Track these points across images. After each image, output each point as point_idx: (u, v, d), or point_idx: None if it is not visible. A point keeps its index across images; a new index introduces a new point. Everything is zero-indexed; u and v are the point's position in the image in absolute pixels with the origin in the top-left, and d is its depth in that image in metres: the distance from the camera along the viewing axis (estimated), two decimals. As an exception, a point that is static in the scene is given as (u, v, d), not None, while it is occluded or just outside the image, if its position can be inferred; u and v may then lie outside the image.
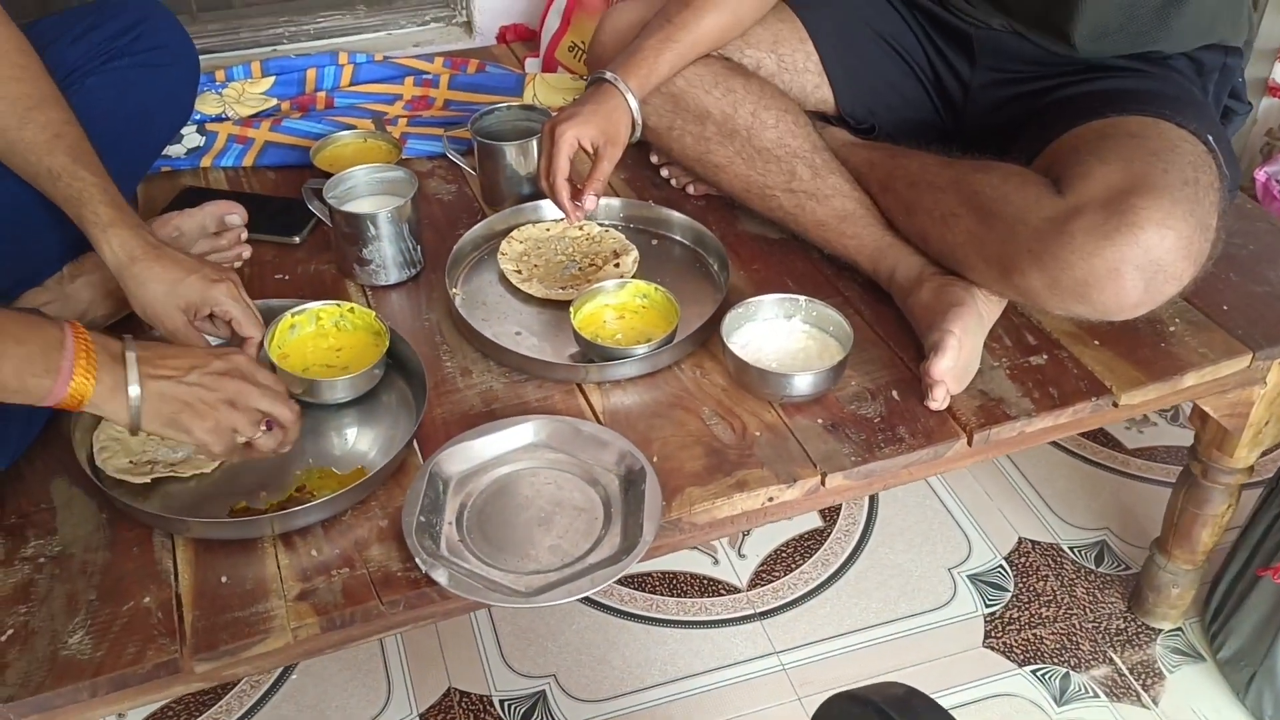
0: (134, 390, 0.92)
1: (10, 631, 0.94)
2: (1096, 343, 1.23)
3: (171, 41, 1.37)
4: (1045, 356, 1.22)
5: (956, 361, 1.11)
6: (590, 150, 1.32)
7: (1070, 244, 1.05)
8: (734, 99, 1.36)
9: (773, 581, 1.68)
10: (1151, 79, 1.30)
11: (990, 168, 1.20)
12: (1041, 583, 1.68)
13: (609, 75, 1.32)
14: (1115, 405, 1.18)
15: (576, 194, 1.33)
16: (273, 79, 1.72)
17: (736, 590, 1.67)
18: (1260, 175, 2.04)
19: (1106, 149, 1.13)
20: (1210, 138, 1.18)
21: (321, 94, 1.72)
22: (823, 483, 1.09)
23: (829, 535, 1.76)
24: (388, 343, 1.17)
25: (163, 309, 1.07)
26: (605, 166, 1.32)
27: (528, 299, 1.32)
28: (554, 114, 1.35)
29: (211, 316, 1.10)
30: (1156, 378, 1.19)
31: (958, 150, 1.28)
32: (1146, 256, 1.02)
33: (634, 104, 1.33)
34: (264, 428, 1.00)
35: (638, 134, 1.36)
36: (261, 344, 1.12)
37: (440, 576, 0.96)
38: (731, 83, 1.37)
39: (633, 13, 1.45)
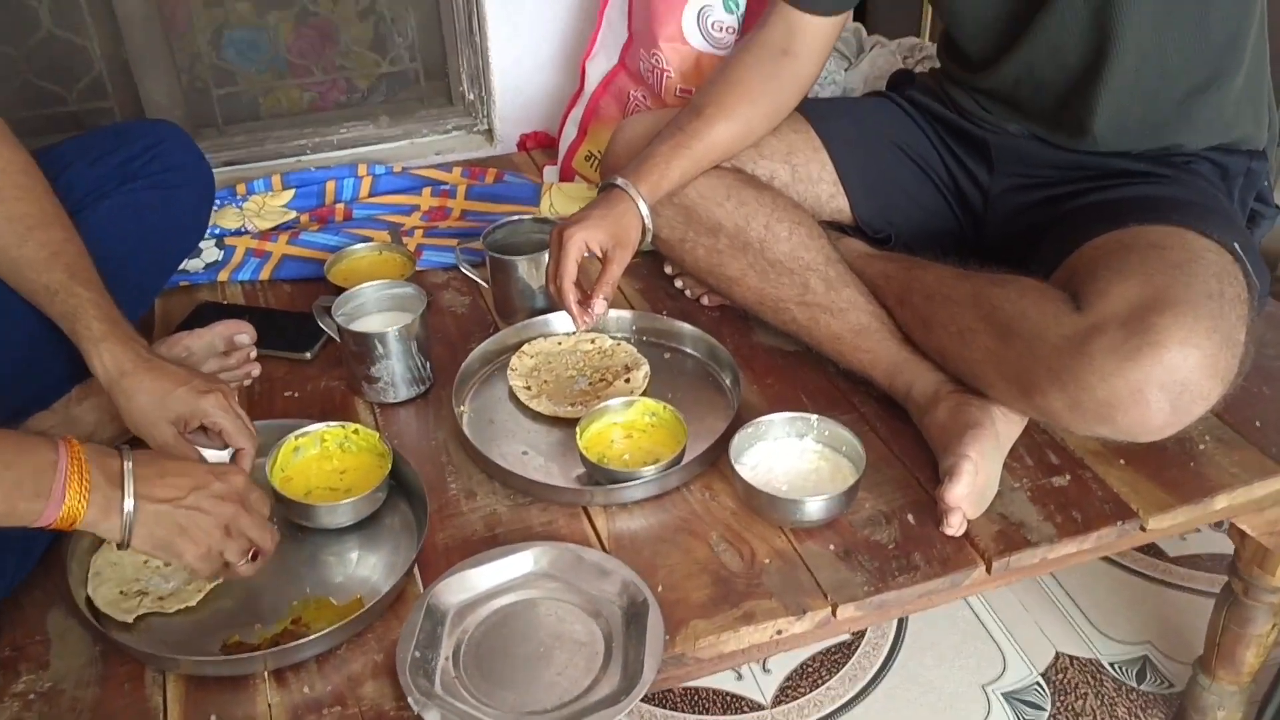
0: (128, 509, 0.92)
1: (-6, 773, 0.92)
2: (1122, 462, 1.20)
3: (187, 163, 1.39)
4: (1068, 477, 1.18)
5: (972, 488, 1.07)
6: (600, 254, 1.31)
7: (1090, 364, 1.02)
8: (746, 211, 1.35)
9: (798, 698, 1.63)
10: (1174, 184, 1.28)
11: (1008, 282, 1.18)
12: (1080, 701, 1.61)
13: (620, 181, 1.33)
14: (1143, 529, 1.13)
15: (585, 299, 1.32)
16: (293, 191, 1.75)
17: (761, 707, 1.62)
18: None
19: (1127, 262, 1.10)
20: (1237, 245, 1.15)
21: (340, 206, 1.74)
22: (834, 614, 1.05)
23: (856, 649, 1.70)
24: (390, 465, 1.16)
25: (152, 422, 1.07)
26: (614, 270, 1.31)
27: (537, 416, 1.31)
28: (565, 222, 1.35)
29: (205, 428, 1.10)
30: (1186, 500, 1.15)
31: (977, 259, 1.26)
32: (1171, 376, 0.99)
33: (644, 209, 1.32)
34: (250, 556, 1.00)
35: (648, 239, 1.36)
36: (254, 456, 1.11)
37: (432, 717, 0.93)
38: (744, 195, 1.36)
39: (647, 123, 1.47)
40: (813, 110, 1.47)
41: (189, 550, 0.96)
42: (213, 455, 1.10)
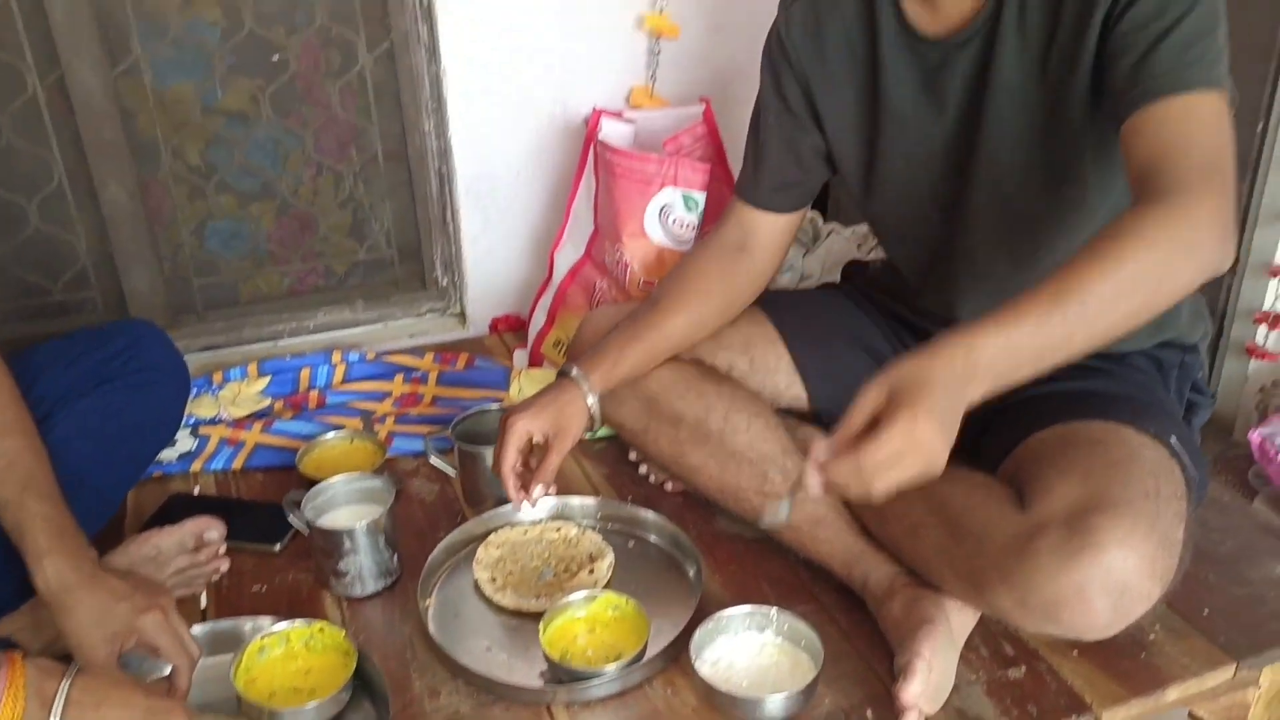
0: None
1: None
2: (1075, 653, 1.22)
3: (163, 361, 1.44)
4: (1024, 668, 1.20)
5: (926, 685, 1.09)
6: (541, 441, 1.35)
7: (1035, 564, 1.05)
8: (706, 403, 1.40)
9: None
10: (1112, 379, 1.33)
11: (957, 478, 1.21)
12: None
13: (573, 371, 1.37)
14: (1097, 721, 1.15)
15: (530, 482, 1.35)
16: (268, 379, 1.80)
17: None
18: (1255, 437, 2.04)
19: (1067, 459, 1.15)
20: (1173, 439, 1.20)
21: (314, 392, 1.79)
22: (793, 817, 1.05)
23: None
24: (355, 665, 1.17)
25: (88, 639, 1.07)
26: (553, 460, 1.34)
27: (501, 608, 1.32)
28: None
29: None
30: (1139, 692, 1.17)
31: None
32: (1110, 578, 1.02)
33: (591, 399, 1.35)
34: None
35: (596, 428, 1.39)
36: (192, 671, 1.11)
37: None
38: (704, 387, 1.41)
39: (613, 315, 1.51)
40: (769, 303, 1.53)
41: None
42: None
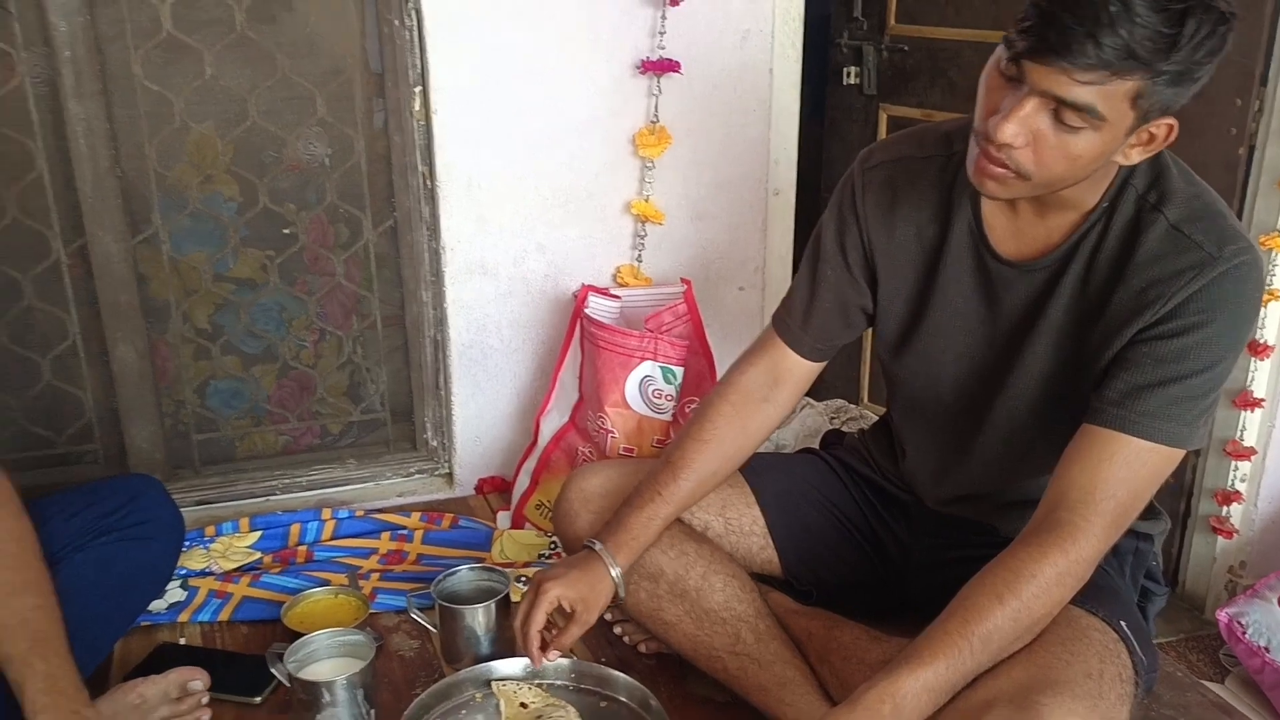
0: None
1: None
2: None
3: (161, 515, 1.48)
4: (983, 836, 1.21)
5: None
6: (568, 610, 1.37)
7: (984, 735, 1.08)
8: (686, 561, 1.43)
9: None
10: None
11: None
12: None
13: (598, 547, 1.39)
14: None
15: (544, 645, 1.37)
16: (259, 534, 1.83)
17: None
18: (1223, 616, 2.05)
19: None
20: (1123, 624, 1.23)
21: (303, 548, 1.82)
22: None
23: None
24: (330, 820, 1.17)
25: None
26: (575, 631, 1.37)
27: (475, 766, 1.32)
28: (514, 571, 1.42)
29: None
30: None
31: (898, 609, 1.34)
32: None
33: (616, 573, 1.38)
34: None
35: (619, 602, 1.42)
36: None
37: None
38: (685, 546, 1.45)
39: (598, 476, 1.53)
40: (748, 467, 1.56)
41: None
42: None
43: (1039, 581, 1.13)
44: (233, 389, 2.14)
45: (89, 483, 1.47)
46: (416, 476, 2.17)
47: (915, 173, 1.30)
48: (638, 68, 1.94)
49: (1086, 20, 0.99)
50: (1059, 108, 1.05)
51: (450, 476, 2.16)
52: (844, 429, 1.89)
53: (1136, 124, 1.07)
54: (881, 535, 1.53)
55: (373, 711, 1.39)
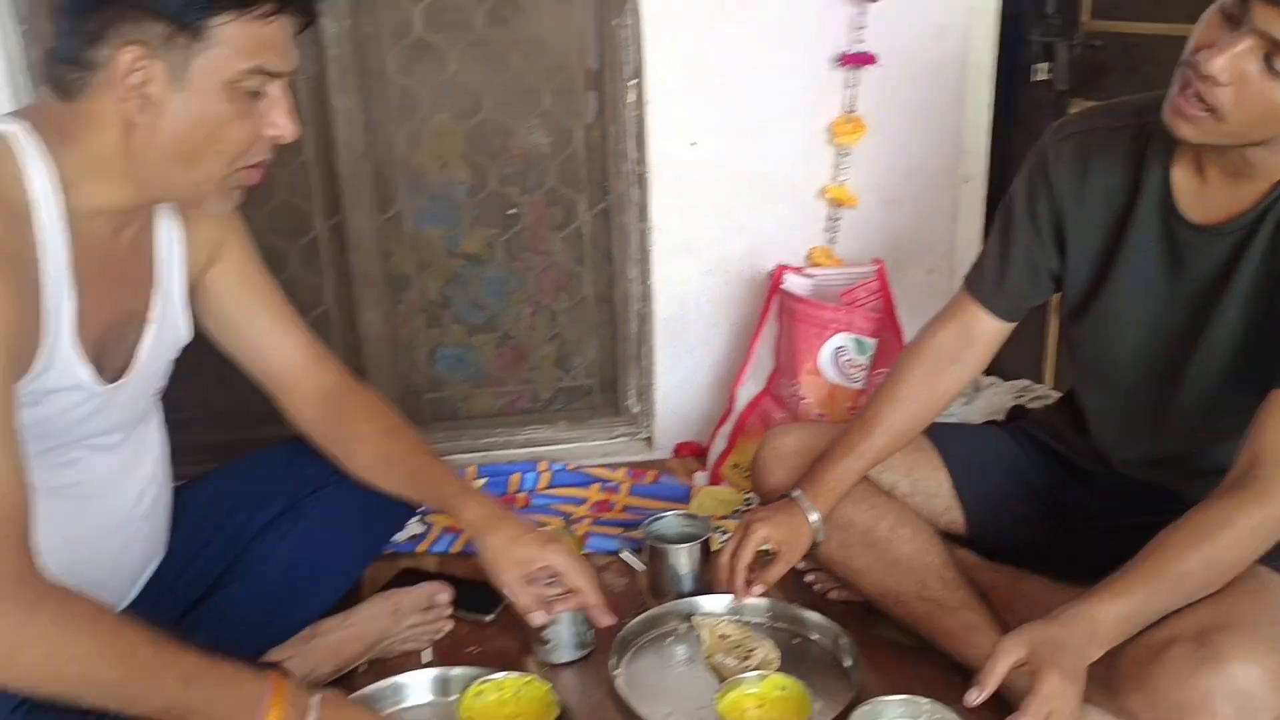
0: None
1: None
2: (1213, 765, 1.28)
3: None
4: (1160, 776, 1.27)
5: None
6: (772, 550, 1.50)
7: (1165, 671, 1.15)
8: (876, 513, 1.53)
9: None
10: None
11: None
12: None
13: (797, 495, 1.51)
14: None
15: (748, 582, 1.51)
16: (485, 480, 2.03)
17: None
18: None
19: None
20: None
21: (522, 495, 2.01)
22: None
23: None
24: (556, 715, 1.34)
25: (501, 563, 1.36)
26: (779, 568, 1.50)
27: (680, 683, 1.46)
28: (714, 521, 1.55)
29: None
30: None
31: (1078, 575, 1.40)
32: (1233, 686, 1.11)
33: (814, 520, 1.50)
34: None
35: (818, 549, 1.54)
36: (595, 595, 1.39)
37: None
38: (875, 499, 1.55)
39: (792, 435, 1.65)
40: (936, 433, 1.64)
41: None
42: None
43: (1234, 531, 1.18)
44: (458, 355, 2.36)
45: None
46: (619, 439, 2.34)
47: (1107, 141, 1.35)
48: (836, 61, 2.05)
49: None
50: (1272, 53, 1.08)
51: (650, 440, 2.32)
52: (1029, 405, 1.95)
53: None
54: (1064, 502, 1.59)
55: (591, 633, 1.55)
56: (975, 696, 1.15)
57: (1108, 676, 1.22)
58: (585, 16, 2.12)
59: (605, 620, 1.42)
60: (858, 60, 2.03)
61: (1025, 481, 1.61)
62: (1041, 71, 2.73)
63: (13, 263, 1.03)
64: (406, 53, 2.09)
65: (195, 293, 1.37)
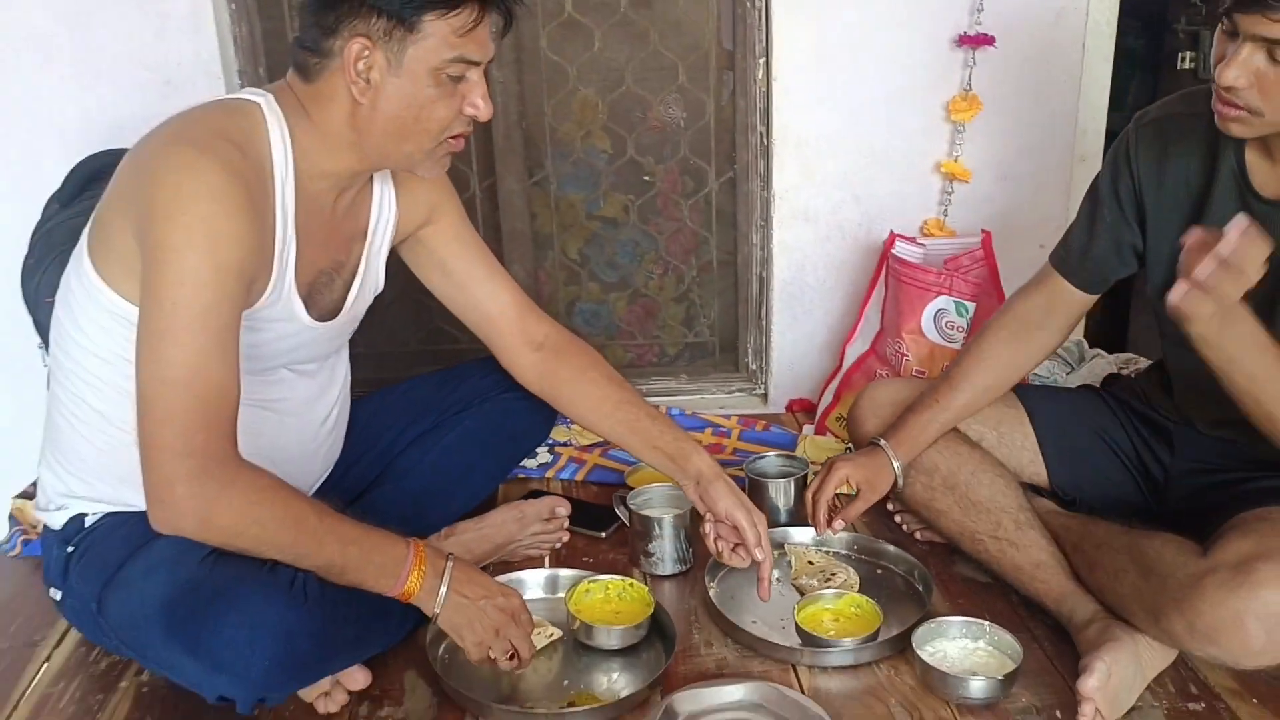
0: (442, 595, 1.31)
1: (360, 762, 1.30)
2: (1255, 700, 1.35)
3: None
4: (1203, 705, 1.35)
5: (1104, 684, 1.28)
6: (853, 489, 1.64)
7: (1203, 595, 1.24)
8: (959, 460, 1.64)
9: None
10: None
11: (1157, 535, 1.41)
12: None
13: (882, 443, 1.65)
14: (1265, 754, 1.28)
15: (830, 517, 1.65)
16: (609, 420, 2.21)
17: None
18: None
19: (1252, 528, 1.32)
20: None
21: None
22: (980, 770, 1.27)
23: None
24: (652, 611, 1.50)
25: (717, 509, 1.53)
26: (859, 506, 1.64)
27: (763, 602, 1.61)
28: (813, 466, 1.68)
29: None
30: (1307, 735, 1.29)
31: (1155, 525, 1.48)
32: (1265, 609, 1.20)
33: (897, 467, 1.64)
34: (510, 658, 1.35)
35: (898, 489, 1.66)
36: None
37: (657, 777, 1.23)
38: (959, 448, 1.66)
39: (887, 389, 1.78)
40: (1025, 392, 1.74)
41: (468, 636, 1.33)
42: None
43: None
44: (593, 310, 2.55)
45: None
46: (737, 394, 2.49)
47: (1185, 127, 1.44)
48: (955, 42, 2.14)
49: None
50: (1271, 48, 1.20)
51: (765, 396, 2.46)
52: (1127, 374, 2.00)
53: None
54: (1145, 458, 1.66)
55: (691, 550, 1.71)
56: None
57: (1154, 603, 1.31)
58: (720, 0, 2.27)
59: (764, 592, 1.52)
60: (975, 42, 2.11)
61: (1109, 438, 1.68)
62: (1186, 60, 2.73)
63: (258, 211, 1.26)
64: (557, 31, 2.28)
65: (411, 248, 1.59)
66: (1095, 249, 1.57)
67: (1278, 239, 1.38)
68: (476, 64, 1.31)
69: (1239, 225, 1.19)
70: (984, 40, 2.11)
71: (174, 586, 1.20)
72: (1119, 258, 1.57)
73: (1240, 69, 1.24)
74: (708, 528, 1.56)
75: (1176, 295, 1.22)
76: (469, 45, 1.28)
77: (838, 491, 1.65)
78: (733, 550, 1.55)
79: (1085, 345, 2.25)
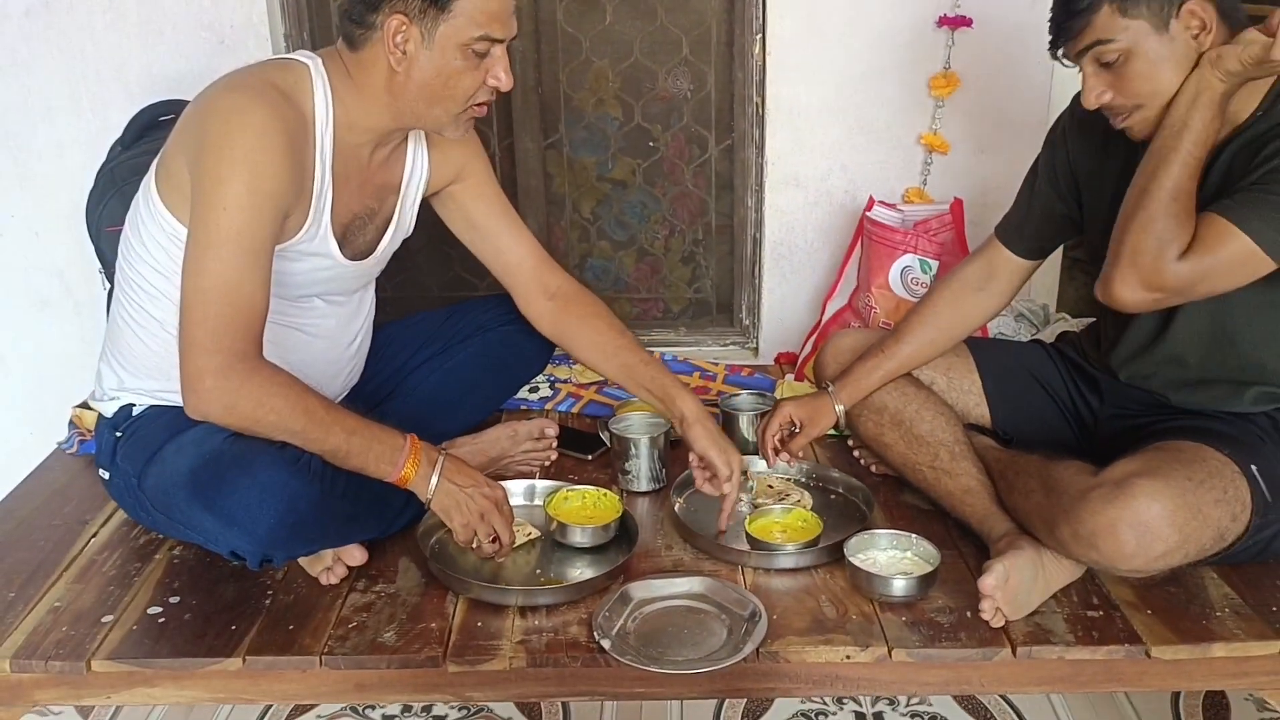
0: (434, 482, 1.47)
1: (353, 625, 1.47)
2: (1149, 612, 1.47)
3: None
4: (1101, 612, 1.47)
5: (1000, 583, 1.41)
6: (796, 427, 1.79)
7: (1085, 506, 1.37)
8: (905, 399, 1.77)
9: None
10: (1228, 424, 1.56)
11: (1064, 460, 1.53)
12: None
13: (829, 386, 1.80)
14: (1147, 655, 1.41)
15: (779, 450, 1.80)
16: (607, 362, 2.36)
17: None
18: None
19: (1144, 454, 1.45)
20: (1254, 467, 1.44)
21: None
22: (889, 655, 1.41)
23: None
24: (620, 515, 1.66)
25: (700, 447, 1.69)
26: (800, 440, 1.79)
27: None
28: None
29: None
30: (1188, 641, 1.41)
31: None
32: (1136, 518, 1.33)
33: (839, 409, 1.79)
34: (493, 542, 1.52)
35: (841, 429, 1.82)
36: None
37: (605, 644, 1.39)
38: (907, 389, 1.79)
39: (849, 338, 1.91)
40: (974, 344, 1.87)
41: (457, 518, 1.50)
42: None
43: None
44: (603, 266, 2.70)
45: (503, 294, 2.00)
46: (730, 347, 2.63)
47: None
48: (936, 22, 2.26)
49: (1056, 7, 1.43)
50: (1095, 53, 1.38)
51: (756, 350, 2.60)
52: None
53: (1161, 22, 1.35)
54: (1077, 404, 1.78)
55: (665, 471, 1.86)
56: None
57: (1050, 515, 1.45)
58: (722, -21, 2.41)
59: (722, 522, 1.67)
60: (955, 23, 2.23)
61: (1047, 386, 1.81)
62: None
63: (298, 155, 1.44)
64: (572, 5, 2.42)
65: (442, 202, 1.76)
66: (1031, 219, 1.71)
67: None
68: (500, 41, 1.47)
69: None
70: (962, 22, 2.23)
71: (199, 459, 1.38)
72: (1054, 227, 1.70)
73: (1093, 87, 1.42)
74: (692, 458, 1.73)
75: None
76: (494, 24, 1.44)
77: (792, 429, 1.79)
78: (708, 479, 1.71)
79: (1050, 309, 2.37)
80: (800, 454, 1.83)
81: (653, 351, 2.37)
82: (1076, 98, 1.63)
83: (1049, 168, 1.68)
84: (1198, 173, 1.41)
